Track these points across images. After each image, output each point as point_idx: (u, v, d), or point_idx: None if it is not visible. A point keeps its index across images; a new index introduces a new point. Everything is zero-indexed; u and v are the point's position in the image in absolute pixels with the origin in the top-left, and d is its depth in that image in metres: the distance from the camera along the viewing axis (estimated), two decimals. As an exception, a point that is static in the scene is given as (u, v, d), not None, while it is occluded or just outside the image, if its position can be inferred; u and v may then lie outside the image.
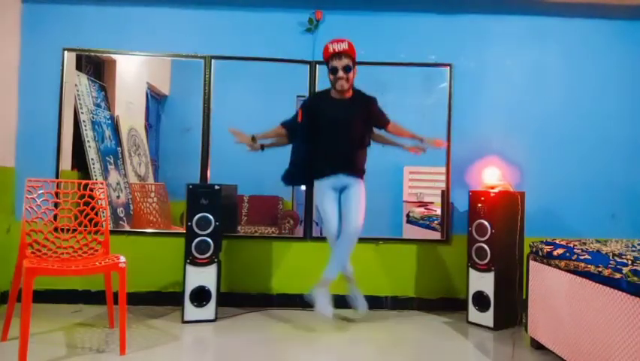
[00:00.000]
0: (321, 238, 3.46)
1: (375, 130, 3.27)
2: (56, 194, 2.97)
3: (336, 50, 3.00)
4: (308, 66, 3.60)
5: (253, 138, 3.17)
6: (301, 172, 3.22)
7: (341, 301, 3.56)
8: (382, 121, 3.23)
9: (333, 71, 3.03)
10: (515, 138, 3.66)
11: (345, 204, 3.09)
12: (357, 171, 3.14)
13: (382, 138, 3.31)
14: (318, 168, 3.14)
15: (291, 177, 3.28)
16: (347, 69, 3.01)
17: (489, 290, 3.19)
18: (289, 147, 3.29)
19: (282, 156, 3.38)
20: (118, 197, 3.59)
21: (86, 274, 2.77)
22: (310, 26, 3.62)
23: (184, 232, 3.17)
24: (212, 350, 2.87)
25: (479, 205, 3.25)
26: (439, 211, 3.65)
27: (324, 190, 3.12)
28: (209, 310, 3.16)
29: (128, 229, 3.58)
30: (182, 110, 3.82)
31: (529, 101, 3.68)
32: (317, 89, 3.57)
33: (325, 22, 3.66)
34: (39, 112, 3.51)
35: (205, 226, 3.14)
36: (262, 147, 3.21)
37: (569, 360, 2.43)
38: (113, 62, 3.66)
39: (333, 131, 3.08)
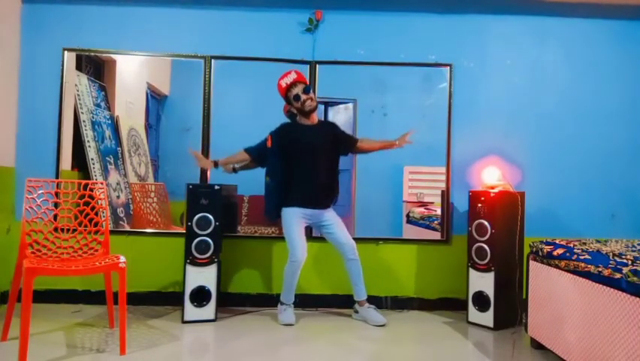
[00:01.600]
0: (321, 238, 3.46)
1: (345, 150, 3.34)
2: (56, 194, 2.97)
3: (289, 83, 3.17)
4: (308, 66, 3.60)
5: (215, 163, 3.29)
6: (278, 201, 3.23)
7: (341, 302, 3.57)
8: (350, 141, 3.32)
9: (296, 97, 3.16)
10: (515, 138, 3.66)
11: (332, 233, 3.23)
12: (329, 204, 3.25)
13: (363, 149, 3.34)
14: (290, 197, 3.18)
15: (272, 211, 3.28)
16: (306, 90, 3.17)
17: (489, 290, 3.19)
18: None
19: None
20: (118, 197, 3.59)
21: (86, 274, 2.77)
22: (310, 26, 3.62)
23: (184, 232, 3.17)
24: (212, 350, 2.87)
25: (479, 205, 3.25)
26: (439, 211, 3.65)
27: (293, 216, 3.17)
28: (209, 310, 3.16)
29: (128, 228, 3.58)
30: (182, 110, 3.82)
31: (529, 101, 3.68)
32: (317, 89, 3.57)
33: (325, 22, 3.66)
34: (39, 112, 3.52)
35: (205, 226, 3.14)
36: (234, 170, 3.31)
37: (569, 360, 2.43)
38: (113, 62, 3.66)
39: (306, 157, 3.16)
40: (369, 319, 3.22)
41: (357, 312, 3.33)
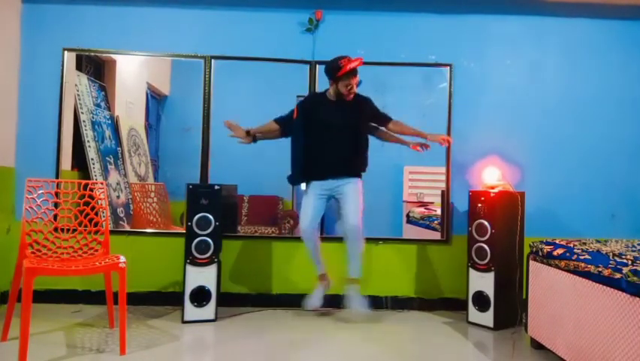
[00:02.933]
0: (321, 239, 3.46)
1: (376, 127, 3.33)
2: (56, 194, 2.97)
3: (353, 68, 3.09)
4: (308, 66, 3.60)
5: (248, 133, 3.27)
6: (300, 170, 3.25)
7: (340, 302, 3.57)
8: (382, 119, 3.29)
9: (348, 85, 3.13)
10: (515, 137, 3.66)
11: (341, 204, 3.18)
12: (350, 173, 3.20)
13: (385, 135, 3.35)
14: (309, 170, 3.20)
15: (294, 177, 3.31)
16: (359, 84, 3.18)
17: (489, 290, 3.19)
18: (287, 148, 3.30)
19: (282, 157, 3.39)
20: (118, 197, 3.59)
21: (86, 274, 2.77)
22: (310, 26, 3.62)
23: (184, 232, 3.17)
24: (212, 350, 2.87)
25: (479, 205, 3.25)
26: (439, 211, 3.65)
27: (310, 189, 3.23)
28: (209, 310, 3.16)
29: (128, 228, 3.58)
30: (182, 110, 3.83)
31: (529, 101, 3.68)
32: (317, 89, 3.57)
33: (325, 22, 3.66)
34: (39, 112, 3.52)
35: (205, 226, 3.14)
36: (255, 140, 3.30)
37: (569, 360, 2.43)
38: (113, 62, 3.66)
39: (326, 133, 3.16)
40: (351, 302, 3.17)
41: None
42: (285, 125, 3.29)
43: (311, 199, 3.20)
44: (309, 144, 3.18)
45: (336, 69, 3.10)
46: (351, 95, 3.17)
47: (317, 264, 3.29)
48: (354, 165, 3.23)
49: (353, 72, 3.12)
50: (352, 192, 3.15)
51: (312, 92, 3.39)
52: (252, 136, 3.29)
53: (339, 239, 3.28)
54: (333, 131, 3.16)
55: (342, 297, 3.57)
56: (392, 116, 3.31)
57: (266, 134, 3.34)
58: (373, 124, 3.34)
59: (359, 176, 3.24)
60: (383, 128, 3.34)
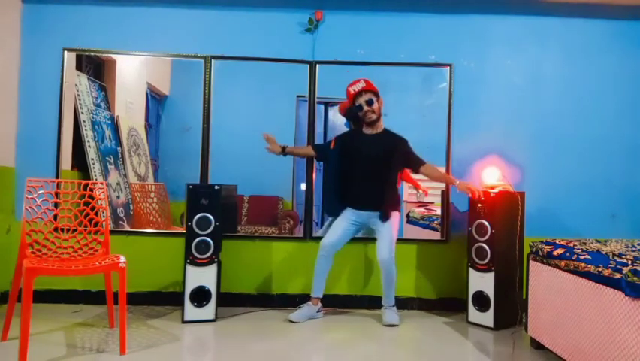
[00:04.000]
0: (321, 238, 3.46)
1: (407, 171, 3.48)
2: (56, 194, 2.97)
3: (357, 91, 3.24)
4: (308, 66, 3.60)
5: (283, 149, 3.39)
6: (338, 200, 3.36)
7: (341, 302, 3.57)
8: (415, 162, 3.32)
9: (359, 108, 3.26)
10: (515, 138, 3.66)
11: (377, 237, 3.27)
12: (382, 207, 3.24)
13: (423, 174, 3.34)
14: (345, 197, 3.31)
15: (331, 206, 3.44)
16: (370, 102, 3.23)
17: (489, 290, 3.19)
18: None
19: (282, 158, 3.40)
20: (118, 197, 3.59)
21: (86, 274, 2.77)
22: (310, 26, 3.62)
23: (184, 231, 3.17)
24: (212, 350, 2.87)
25: (479, 205, 3.25)
26: (439, 211, 3.65)
27: (345, 213, 3.31)
28: (209, 310, 3.16)
29: (128, 229, 3.58)
30: (182, 110, 3.82)
31: (529, 101, 3.68)
32: (317, 89, 3.58)
33: (325, 22, 3.66)
34: (39, 112, 3.51)
35: (205, 226, 3.14)
36: (285, 153, 3.42)
37: (568, 360, 2.43)
38: (113, 62, 3.66)
39: (361, 165, 3.26)
40: (385, 317, 3.25)
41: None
42: (321, 152, 3.44)
43: (344, 222, 3.29)
44: (344, 174, 3.29)
45: (347, 98, 3.30)
46: (370, 115, 3.24)
47: (317, 287, 3.30)
48: (386, 198, 3.25)
49: (358, 94, 3.23)
50: (387, 228, 3.23)
51: (350, 129, 3.54)
52: (285, 153, 3.40)
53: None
54: (366, 162, 3.25)
55: (342, 297, 3.58)
56: (424, 161, 3.31)
57: (298, 154, 3.52)
58: (406, 164, 3.37)
59: (392, 210, 3.27)
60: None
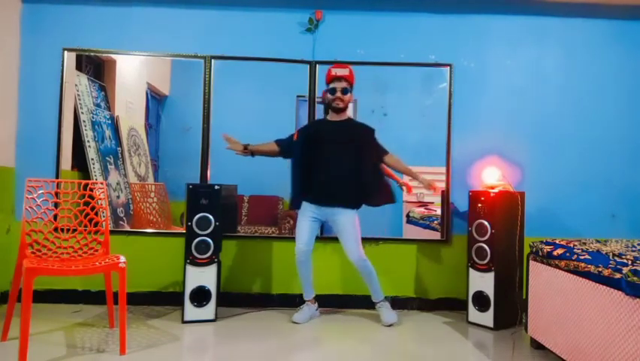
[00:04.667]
0: (321, 239, 3.46)
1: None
2: (56, 194, 2.97)
3: (338, 74, 3.20)
4: (308, 66, 3.60)
5: (246, 148, 3.28)
6: (299, 193, 3.28)
7: (341, 302, 3.57)
8: (379, 153, 3.28)
9: (332, 91, 3.21)
10: (515, 137, 3.66)
11: (340, 237, 3.23)
12: (344, 201, 3.18)
13: (387, 164, 3.34)
14: (305, 191, 3.23)
15: (294, 200, 3.33)
16: (344, 91, 3.19)
17: (489, 290, 3.19)
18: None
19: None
20: (118, 197, 3.59)
21: (86, 274, 2.77)
22: (310, 26, 3.62)
23: (184, 231, 3.17)
24: (212, 350, 2.87)
25: (479, 205, 3.25)
26: (439, 211, 3.65)
27: (305, 211, 3.25)
28: (209, 310, 3.16)
29: (128, 229, 3.58)
30: (182, 110, 3.82)
31: (529, 101, 3.68)
32: (317, 89, 3.57)
33: (325, 22, 3.66)
34: (39, 112, 3.52)
35: (205, 226, 3.14)
36: (252, 154, 3.32)
37: (568, 360, 2.43)
38: (113, 62, 3.66)
39: (324, 152, 3.18)
40: (382, 315, 3.25)
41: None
42: (285, 147, 3.31)
43: (305, 221, 3.23)
44: (306, 165, 3.21)
45: (325, 78, 3.25)
46: (338, 102, 3.18)
47: (307, 289, 3.31)
48: (350, 192, 3.18)
49: (338, 78, 3.19)
50: (347, 225, 3.16)
51: (313, 120, 3.49)
52: (250, 151, 3.30)
53: (336, 239, 3.28)
54: (330, 151, 3.18)
55: (341, 297, 3.58)
56: (389, 151, 3.29)
57: (264, 152, 3.36)
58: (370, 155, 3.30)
59: (354, 208, 3.22)
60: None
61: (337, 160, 3.17)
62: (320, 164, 3.18)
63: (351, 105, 3.62)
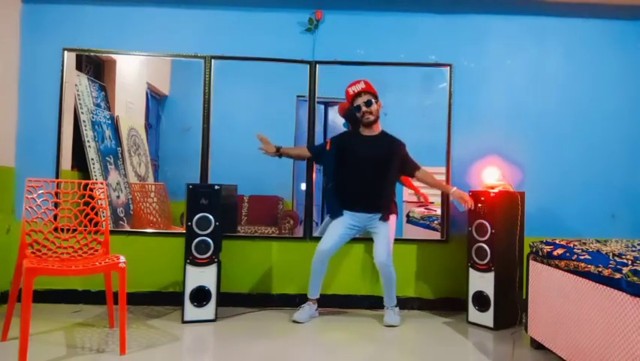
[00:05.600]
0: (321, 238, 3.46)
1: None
2: (56, 194, 2.97)
3: (356, 92, 3.25)
4: (308, 66, 3.60)
5: (278, 150, 3.35)
6: (337, 202, 3.34)
7: (341, 302, 3.57)
8: (411, 167, 3.34)
9: (357, 108, 3.26)
10: (515, 137, 3.66)
11: (374, 239, 3.27)
12: (382, 209, 3.25)
13: (418, 179, 3.38)
14: (343, 200, 3.30)
15: (333, 209, 3.38)
16: (368, 103, 3.24)
17: (489, 290, 3.19)
18: None
19: (282, 158, 3.39)
20: (118, 197, 3.59)
21: (86, 274, 2.77)
22: (310, 26, 3.62)
23: (184, 231, 3.17)
24: (212, 350, 2.87)
25: (479, 205, 3.25)
26: (439, 211, 3.65)
27: (341, 218, 3.29)
28: (209, 310, 3.16)
29: (128, 229, 3.58)
30: (182, 110, 3.82)
31: (529, 101, 3.68)
32: (317, 89, 3.58)
33: (325, 22, 3.66)
34: (39, 112, 3.51)
35: (205, 226, 3.14)
36: (281, 156, 3.38)
37: (568, 360, 2.43)
38: (113, 62, 3.66)
39: (359, 166, 3.25)
40: (387, 318, 3.25)
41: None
42: (316, 153, 3.42)
43: (341, 226, 3.26)
44: (341, 175, 3.28)
45: (346, 99, 3.30)
46: (368, 116, 3.24)
47: (315, 289, 3.32)
48: (384, 200, 3.27)
49: (357, 95, 3.24)
50: (385, 228, 3.24)
51: (345, 130, 3.53)
52: (280, 153, 3.36)
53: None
54: (363, 164, 3.24)
55: (341, 297, 3.58)
56: (420, 165, 3.33)
57: (294, 156, 3.46)
58: (400, 169, 3.36)
59: (390, 213, 3.28)
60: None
61: (371, 175, 3.24)
62: (354, 178, 3.26)
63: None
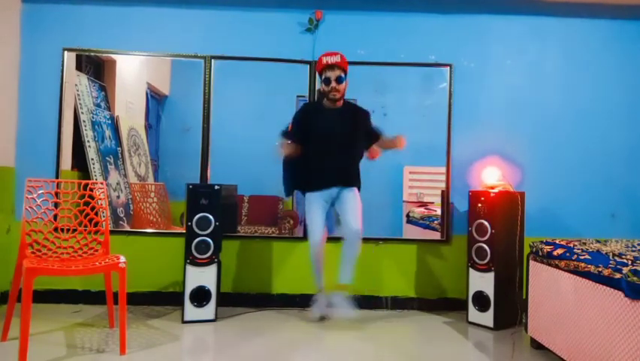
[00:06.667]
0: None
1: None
2: (56, 194, 2.97)
3: (329, 62, 3.11)
4: (308, 66, 3.60)
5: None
6: (295, 181, 3.25)
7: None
8: (375, 134, 3.27)
9: (326, 81, 3.13)
10: (515, 137, 3.66)
11: (342, 209, 3.16)
12: (351, 182, 3.19)
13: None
14: (309, 180, 3.19)
15: (288, 187, 3.31)
16: (339, 80, 3.12)
17: (489, 290, 3.19)
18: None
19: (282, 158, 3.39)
20: (118, 197, 3.59)
21: (86, 274, 2.77)
22: (310, 26, 3.62)
23: (184, 231, 3.17)
24: (212, 350, 2.87)
25: (479, 205, 3.25)
26: (439, 211, 3.65)
27: (313, 201, 3.19)
28: (209, 310, 3.16)
29: (128, 229, 3.58)
30: (182, 110, 3.82)
31: (529, 101, 3.68)
32: (317, 89, 3.57)
33: (325, 22, 3.66)
34: (39, 112, 3.51)
35: (205, 226, 3.14)
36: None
37: (568, 360, 2.43)
38: (113, 62, 3.66)
39: (325, 141, 3.14)
40: (339, 307, 3.11)
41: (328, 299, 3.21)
42: (290, 139, 3.20)
43: (317, 212, 3.16)
44: (308, 154, 3.17)
45: (316, 66, 3.16)
46: (335, 93, 3.12)
47: (320, 278, 3.25)
48: (353, 174, 3.22)
49: (330, 67, 3.10)
50: (353, 199, 3.15)
51: (307, 102, 3.34)
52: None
53: (334, 239, 3.26)
54: (331, 138, 3.14)
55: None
56: (382, 133, 3.27)
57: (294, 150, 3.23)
58: (366, 138, 3.28)
59: (358, 186, 3.23)
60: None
61: (338, 147, 3.13)
62: (321, 152, 3.14)
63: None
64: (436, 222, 3.66)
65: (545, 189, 3.63)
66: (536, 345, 2.79)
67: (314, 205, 3.18)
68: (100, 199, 2.98)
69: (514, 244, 3.24)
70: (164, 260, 3.51)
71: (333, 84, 3.11)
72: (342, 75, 3.13)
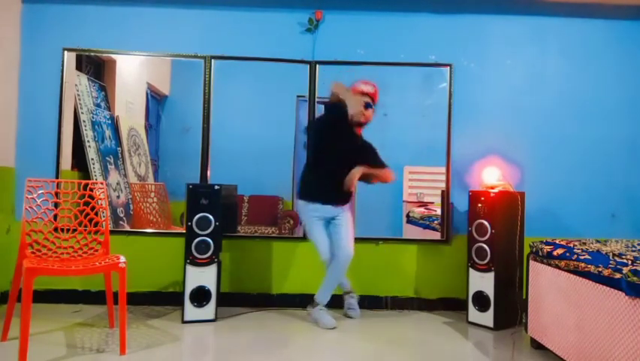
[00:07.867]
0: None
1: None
2: (56, 194, 2.97)
3: (365, 92, 3.18)
4: (308, 66, 3.60)
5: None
6: (310, 188, 3.28)
7: (341, 302, 3.57)
8: (380, 167, 3.27)
9: (368, 106, 3.18)
10: (515, 137, 3.66)
11: (336, 232, 3.22)
12: (346, 203, 3.27)
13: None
14: (312, 191, 3.22)
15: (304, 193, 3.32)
16: (367, 105, 3.19)
17: (489, 290, 3.19)
18: (287, 148, 3.30)
19: (282, 158, 3.39)
20: (118, 197, 3.59)
21: (86, 274, 2.77)
22: (310, 26, 3.62)
23: (184, 232, 3.17)
24: (212, 350, 2.87)
25: (479, 205, 3.25)
26: (439, 211, 3.65)
27: (312, 219, 3.23)
28: (209, 310, 3.16)
29: (128, 229, 3.58)
30: (182, 110, 3.82)
31: (529, 101, 3.68)
32: (317, 89, 3.57)
33: (325, 22, 3.66)
34: (39, 112, 3.52)
35: (205, 226, 3.14)
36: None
37: (568, 360, 2.43)
38: (113, 62, 3.66)
39: (340, 160, 3.16)
40: (320, 321, 3.15)
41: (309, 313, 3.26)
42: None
43: (318, 228, 3.22)
44: (323, 163, 3.20)
45: (352, 93, 3.17)
46: (368, 120, 3.21)
47: (345, 283, 3.36)
48: (350, 194, 3.28)
49: (364, 95, 3.18)
50: (347, 222, 3.24)
51: (343, 109, 3.19)
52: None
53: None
54: (341, 158, 3.16)
55: (340, 297, 3.58)
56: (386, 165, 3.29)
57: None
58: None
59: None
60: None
61: (345, 169, 3.15)
62: (333, 169, 3.16)
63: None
64: (436, 222, 3.66)
65: (545, 189, 3.63)
66: (536, 345, 2.80)
67: (315, 223, 3.23)
68: (100, 199, 2.98)
69: (514, 244, 3.24)
70: (164, 260, 3.51)
71: (370, 112, 3.19)
72: (370, 103, 3.20)
